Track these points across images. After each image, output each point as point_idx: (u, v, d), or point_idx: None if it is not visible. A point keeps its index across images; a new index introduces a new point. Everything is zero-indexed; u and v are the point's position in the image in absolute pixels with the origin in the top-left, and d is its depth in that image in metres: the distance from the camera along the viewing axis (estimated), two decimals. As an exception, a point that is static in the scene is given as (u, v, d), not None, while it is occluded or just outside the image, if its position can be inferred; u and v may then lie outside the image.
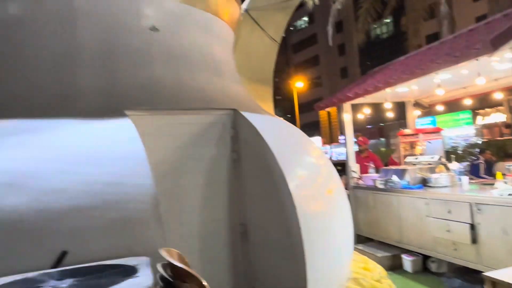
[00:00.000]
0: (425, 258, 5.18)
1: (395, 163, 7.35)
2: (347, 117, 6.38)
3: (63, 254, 2.34)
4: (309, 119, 37.20)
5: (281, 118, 4.95)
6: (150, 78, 3.55)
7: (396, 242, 5.44)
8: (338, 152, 22.69)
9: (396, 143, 6.92)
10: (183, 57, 3.85)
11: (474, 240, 4.24)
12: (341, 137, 30.59)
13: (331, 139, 33.86)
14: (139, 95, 3.39)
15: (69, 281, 1.86)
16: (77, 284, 1.82)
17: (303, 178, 3.54)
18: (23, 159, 2.66)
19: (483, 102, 14.50)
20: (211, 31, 4.29)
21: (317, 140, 31.00)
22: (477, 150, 8.32)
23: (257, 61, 5.55)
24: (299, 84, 27.74)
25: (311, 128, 33.16)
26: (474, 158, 7.28)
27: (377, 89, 5.30)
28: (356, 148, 7.41)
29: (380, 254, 5.38)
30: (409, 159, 6.21)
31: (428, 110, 7.27)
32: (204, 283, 1.83)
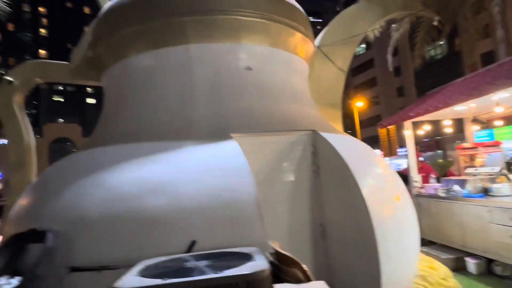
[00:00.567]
0: (489, 261, 4.88)
1: (453, 175, 6.98)
2: (408, 133, 6.26)
3: (193, 243, 2.71)
4: (368, 133, 36.01)
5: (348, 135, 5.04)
6: (247, 107, 3.89)
7: (459, 246, 5.18)
8: (396, 164, 21.64)
9: (455, 156, 6.59)
10: (270, 89, 4.15)
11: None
12: (399, 150, 29.17)
13: (390, 152, 32.41)
14: (239, 121, 3.73)
15: (204, 262, 2.16)
16: (211, 264, 2.11)
17: (373, 186, 3.58)
18: (161, 172, 3.12)
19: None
20: (291, 67, 4.57)
21: (377, 153, 29.79)
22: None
23: (328, 88, 5.67)
24: (359, 103, 27.15)
25: (370, 142, 31.87)
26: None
27: (437, 108, 5.18)
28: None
29: (444, 256, 5.16)
30: (469, 170, 5.91)
31: (486, 125, 6.82)
32: (305, 268, 2.04)
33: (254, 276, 1.78)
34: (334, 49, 5.54)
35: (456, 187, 5.19)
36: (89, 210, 2.95)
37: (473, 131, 6.78)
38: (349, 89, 42.05)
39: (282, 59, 4.42)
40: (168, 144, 3.40)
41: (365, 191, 3.27)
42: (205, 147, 3.32)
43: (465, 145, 6.72)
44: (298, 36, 4.61)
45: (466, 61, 33.67)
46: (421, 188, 6.19)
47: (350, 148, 3.86)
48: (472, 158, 6.36)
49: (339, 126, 5.61)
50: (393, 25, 7.21)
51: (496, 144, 6.75)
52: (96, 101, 64.32)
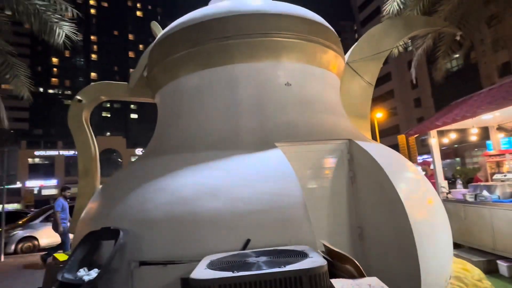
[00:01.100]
0: (521, 264, 4.61)
1: (480, 181, 6.67)
2: (434, 142, 6.08)
3: (248, 241, 2.75)
4: (388, 142, 34.93)
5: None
6: (288, 119, 3.93)
7: (490, 249, 4.93)
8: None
9: (482, 163, 6.31)
10: (308, 102, 4.18)
11: None
12: (418, 158, 28.16)
13: (409, 160, 31.31)
14: (281, 132, 3.78)
15: (263, 258, 2.20)
16: (270, 260, 2.14)
17: (408, 190, 3.51)
18: (216, 177, 3.20)
19: None
20: (325, 81, 4.58)
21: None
22: None
23: (357, 101, 5.62)
24: (378, 114, 26.62)
25: (390, 150, 31.11)
26: None
27: (464, 118, 5.01)
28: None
29: (475, 258, 4.92)
30: (497, 176, 5.64)
31: (510, 133, 6.51)
32: (358, 264, 2.03)
33: (315, 270, 1.80)
34: (362, 64, 5.52)
35: (485, 193, 4.97)
36: (154, 212, 3.07)
37: (498, 139, 6.49)
38: (368, 101, 41.32)
39: (317, 75, 4.45)
40: (220, 153, 3.49)
41: (402, 195, 3.22)
42: (254, 156, 3.38)
43: (491, 152, 6.43)
44: (331, 53, 4.63)
45: (482, 72, 32.48)
46: (448, 193, 5.96)
47: (384, 155, 3.81)
48: (498, 164, 6.08)
49: (368, 135, 5.53)
50: (417, 41, 7.10)
51: (522, 151, 6.42)
52: (138, 116, 66.56)
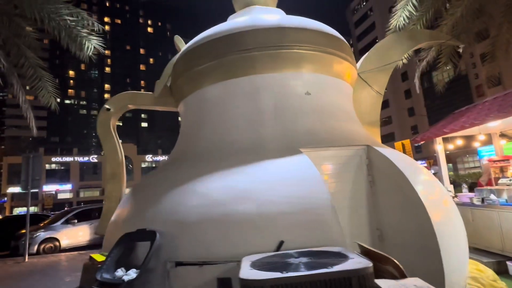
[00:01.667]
0: (531, 265, 4.50)
1: (481, 185, 6.58)
2: (440, 148, 6.03)
3: (281, 243, 2.68)
4: (383, 149, 34.92)
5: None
6: (308, 126, 3.89)
7: (499, 250, 4.83)
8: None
9: (487, 168, 6.23)
10: (326, 110, 4.14)
11: None
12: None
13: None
14: (303, 138, 3.73)
15: (303, 259, 2.13)
16: (311, 261, 2.07)
17: (426, 193, 3.45)
18: (245, 181, 3.14)
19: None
20: (340, 91, 4.56)
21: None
22: None
23: (367, 109, 5.59)
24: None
25: (386, 157, 30.94)
26: None
27: (473, 125, 4.97)
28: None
29: (486, 259, 4.82)
30: (502, 180, 5.56)
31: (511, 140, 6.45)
32: (399, 264, 1.96)
33: (363, 271, 1.74)
34: (371, 75, 5.50)
35: (493, 196, 4.89)
36: (187, 214, 3.01)
37: (501, 145, 6.42)
38: (365, 110, 41.39)
39: (334, 85, 4.43)
40: (246, 158, 3.44)
41: (423, 198, 3.16)
42: (280, 161, 3.34)
43: (495, 157, 6.36)
44: (345, 64, 4.62)
45: (472, 83, 32.60)
46: (454, 197, 5.87)
47: (402, 160, 3.75)
48: (502, 169, 6.00)
49: (378, 141, 5.49)
50: (420, 53, 7.09)
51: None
52: (148, 125, 66.72)
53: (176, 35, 5.40)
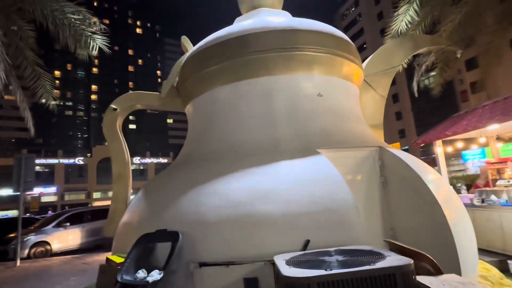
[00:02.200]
0: (531, 263, 4.65)
1: (478, 187, 6.77)
2: (439, 150, 6.19)
3: (307, 241, 2.70)
4: (372, 152, 35.45)
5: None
6: (321, 127, 3.92)
7: (500, 249, 4.98)
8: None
9: (484, 170, 6.42)
10: (338, 111, 4.19)
11: None
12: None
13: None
14: (318, 139, 3.76)
15: (339, 257, 2.14)
16: (347, 259, 2.08)
17: (440, 192, 3.50)
18: (265, 181, 3.15)
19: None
20: (350, 93, 4.63)
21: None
22: None
23: (371, 111, 5.69)
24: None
25: (375, 159, 31.43)
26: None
27: (476, 128, 5.13)
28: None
29: (488, 258, 4.95)
30: (500, 182, 5.74)
31: (507, 142, 6.68)
32: (435, 261, 2.00)
33: (406, 268, 1.77)
34: (375, 78, 5.60)
35: (493, 197, 5.06)
36: (209, 214, 2.99)
37: (498, 148, 6.65)
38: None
39: (343, 87, 4.49)
40: (263, 159, 3.45)
41: (438, 197, 3.23)
42: (299, 161, 3.36)
43: (492, 160, 6.57)
44: (354, 66, 4.69)
45: (457, 89, 33.73)
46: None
47: (413, 161, 3.83)
48: (499, 171, 6.21)
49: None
50: (419, 58, 7.27)
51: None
52: (136, 127, 65.73)
53: (183, 36, 5.36)
